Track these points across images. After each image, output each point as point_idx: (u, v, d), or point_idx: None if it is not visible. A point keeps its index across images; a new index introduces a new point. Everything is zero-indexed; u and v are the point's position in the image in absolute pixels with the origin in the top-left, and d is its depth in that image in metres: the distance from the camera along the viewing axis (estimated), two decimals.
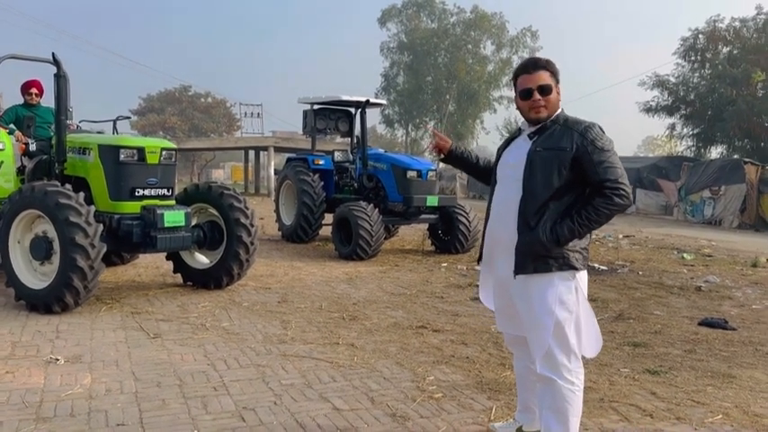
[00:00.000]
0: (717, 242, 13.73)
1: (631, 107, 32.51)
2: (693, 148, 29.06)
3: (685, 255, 10.81)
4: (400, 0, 51.86)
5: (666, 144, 40.82)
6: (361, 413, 3.47)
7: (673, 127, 29.17)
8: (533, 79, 2.75)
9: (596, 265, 9.16)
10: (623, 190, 2.66)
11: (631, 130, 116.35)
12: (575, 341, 2.72)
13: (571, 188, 2.71)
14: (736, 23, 27.41)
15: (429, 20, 52.39)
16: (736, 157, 24.77)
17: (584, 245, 2.78)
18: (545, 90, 2.74)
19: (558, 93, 2.80)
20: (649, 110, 28.66)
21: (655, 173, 23.20)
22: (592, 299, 6.67)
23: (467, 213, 9.82)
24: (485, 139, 57.07)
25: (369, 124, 10.77)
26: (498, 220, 2.88)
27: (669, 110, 28.57)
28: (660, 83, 28.22)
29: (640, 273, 8.71)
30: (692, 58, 28.17)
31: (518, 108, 2.87)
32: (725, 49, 28.11)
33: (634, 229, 16.10)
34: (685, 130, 29.02)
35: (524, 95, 2.77)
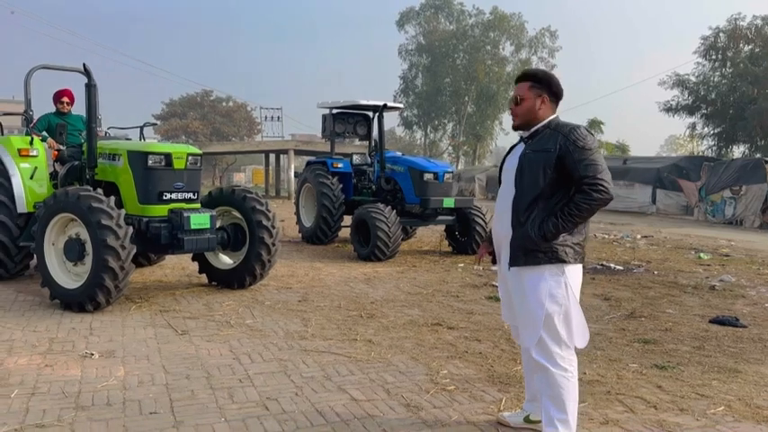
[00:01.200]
0: (736, 242, 13.71)
1: (654, 107, 32.42)
2: (714, 148, 28.84)
3: (702, 254, 10.85)
4: (418, 2, 52.07)
5: (689, 144, 40.50)
6: (377, 403, 3.68)
7: (693, 126, 29.01)
8: (515, 90, 3.12)
9: (612, 265, 9.27)
10: (601, 185, 2.85)
11: (654, 129, 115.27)
12: (564, 332, 2.94)
13: (558, 187, 2.93)
14: (758, 21, 27.18)
15: (447, 21, 52.51)
16: (758, 156, 24.56)
17: (578, 240, 2.97)
18: (516, 100, 3.06)
19: (543, 101, 3.02)
20: (669, 109, 28.52)
21: (675, 173, 23.09)
22: (605, 297, 6.84)
23: (483, 214, 9.98)
24: (504, 140, 56.90)
25: (388, 127, 11.02)
26: (497, 218, 3.15)
27: (689, 109, 28.40)
28: (680, 82, 28.07)
29: (656, 272, 8.80)
30: (713, 56, 27.98)
31: None
32: (746, 48, 27.88)
33: (653, 230, 16.11)
34: (706, 129, 28.83)
35: (509, 104, 3.16)
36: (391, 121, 74.78)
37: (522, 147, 3.09)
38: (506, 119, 55.43)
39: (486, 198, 34.29)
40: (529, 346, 3.01)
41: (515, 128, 3.14)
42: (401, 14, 52.43)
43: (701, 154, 28.14)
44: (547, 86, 3.03)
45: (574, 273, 2.98)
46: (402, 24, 52.49)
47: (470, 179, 35.85)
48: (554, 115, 3.06)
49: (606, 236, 14.11)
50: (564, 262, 2.92)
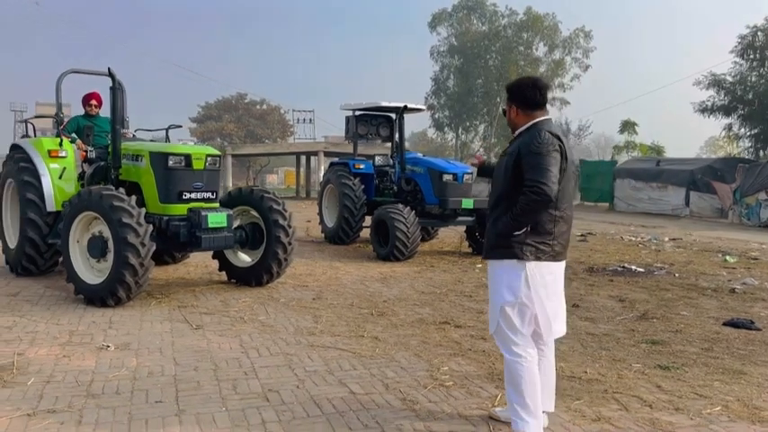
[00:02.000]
0: None
1: (691, 107, 31.54)
2: (752, 149, 28.14)
3: (728, 257, 10.67)
4: (451, 4, 51.97)
5: (728, 145, 39.52)
6: (374, 397, 3.78)
7: (729, 127, 28.35)
8: None
9: (633, 267, 9.19)
10: (538, 187, 2.98)
11: (693, 131, 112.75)
12: (518, 322, 3.12)
13: (519, 188, 3.08)
14: None
15: (480, 22, 52.27)
16: None
17: (541, 239, 3.11)
18: (505, 113, 3.39)
19: (514, 110, 3.28)
20: (705, 110, 27.94)
21: (709, 175, 22.64)
22: (620, 299, 6.82)
23: None
24: None
25: (419, 129, 11.12)
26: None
27: (726, 110, 27.78)
28: (716, 82, 27.48)
29: (676, 275, 8.70)
30: (751, 56, 27.30)
31: None
32: None
33: (684, 233, 15.84)
34: (743, 130, 28.15)
35: None
36: (423, 123, 74.81)
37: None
38: None
39: None
40: (490, 332, 3.27)
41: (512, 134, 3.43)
42: (433, 16, 52.38)
43: (735, 155, 27.50)
44: (515, 97, 3.26)
45: (537, 269, 3.12)
46: (434, 26, 52.43)
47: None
48: (536, 120, 3.20)
49: (633, 238, 13.94)
50: (520, 259, 3.09)
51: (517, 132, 3.26)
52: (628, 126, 34.00)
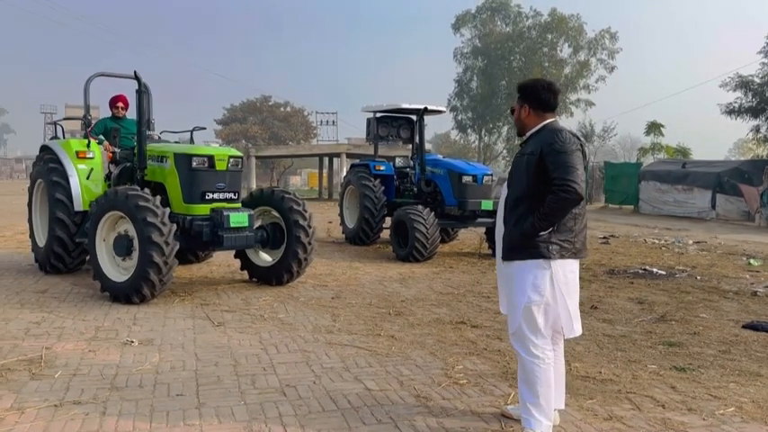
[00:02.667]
0: None
1: (718, 109, 30.89)
2: None
3: (753, 261, 10.53)
4: (474, 5, 51.85)
5: (759, 147, 38.83)
6: (388, 393, 3.85)
7: (757, 129, 27.82)
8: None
9: (654, 270, 9.13)
10: (569, 186, 2.99)
11: (721, 133, 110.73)
12: (542, 322, 3.11)
13: (542, 188, 3.09)
14: None
15: (504, 24, 52.08)
16: None
17: (565, 237, 3.12)
18: (512, 111, 3.38)
19: (526, 110, 3.28)
20: (732, 112, 27.45)
21: (736, 177, 22.28)
22: (639, 301, 6.81)
23: None
24: None
25: (442, 131, 11.19)
26: (498, 216, 3.37)
27: (754, 111, 27.23)
28: (744, 83, 26.99)
29: (698, 278, 8.63)
30: None
31: None
32: None
33: (709, 236, 15.64)
34: None
35: None
36: (446, 124, 74.65)
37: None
38: (563, 122, 54.51)
39: None
40: (509, 332, 3.25)
41: (518, 135, 3.47)
42: (457, 17, 52.32)
43: (765, 158, 27.02)
44: (528, 97, 3.26)
45: (561, 267, 3.14)
46: (458, 27, 52.36)
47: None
48: (546, 121, 3.24)
49: (656, 241, 13.82)
50: (546, 258, 3.09)
51: (529, 133, 3.28)
52: (653, 128, 33.57)
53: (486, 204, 9.78)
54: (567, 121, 54.21)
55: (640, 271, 9.09)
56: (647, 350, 4.98)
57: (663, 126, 33.64)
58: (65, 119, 8.95)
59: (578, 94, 50.83)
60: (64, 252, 7.30)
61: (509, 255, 3.20)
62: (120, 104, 8.03)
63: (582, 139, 3.22)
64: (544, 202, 3.06)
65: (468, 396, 3.85)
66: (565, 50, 50.70)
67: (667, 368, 4.50)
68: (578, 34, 49.59)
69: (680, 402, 3.80)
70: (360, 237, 11.15)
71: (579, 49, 50.06)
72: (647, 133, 34.19)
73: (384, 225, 11.06)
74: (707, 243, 13.81)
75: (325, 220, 16.29)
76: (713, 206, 22.62)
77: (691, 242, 13.73)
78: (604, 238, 14.01)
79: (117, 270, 6.31)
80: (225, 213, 6.43)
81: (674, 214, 23.40)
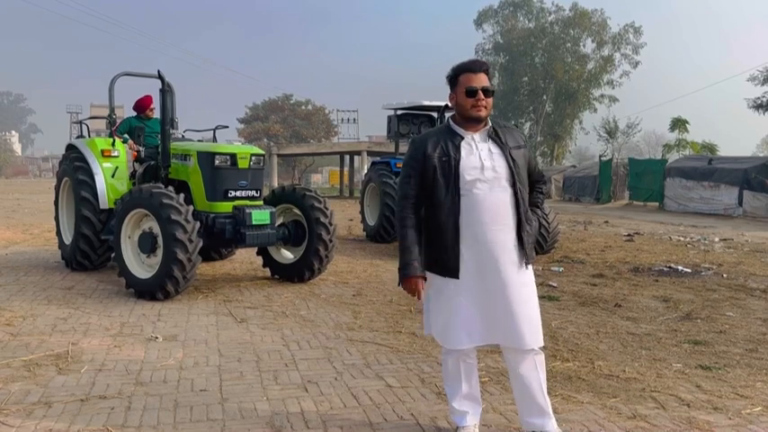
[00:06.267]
0: None
1: (745, 104, 30.29)
2: None
3: None
4: (497, 1, 51.57)
5: None
6: (409, 390, 3.86)
7: None
8: (478, 79, 2.85)
9: (680, 268, 9.01)
10: (544, 181, 3.13)
11: (749, 128, 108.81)
12: (428, 325, 3.13)
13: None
14: None
15: (526, 19, 51.75)
16: None
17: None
18: (488, 92, 2.86)
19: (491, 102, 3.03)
20: (759, 106, 27.02)
21: (764, 173, 21.87)
22: (664, 299, 6.72)
23: (546, 215, 9.90)
24: (583, 140, 55.37)
25: None
26: (495, 222, 2.84)
27: None
28: None
29: (725, 275, 8.49)
30: None
31: (457, 104, 2.92)
32: None
33: (736, 233, 15.38)
34: None
35: (470, 93, 2.84)
36: None
37: (484, 143, 2.91)
38: (587, 118, 53.99)
39: (563, 199, 33.66)
40: (539, 341, 2.89)
41: (479, 120, 2.90)
42: (479, 13, 52.15)
43: None
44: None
45: (433, 277, 3.08)
46: (480, 23, 52.17)
47: (547, 180, 35.17)
48: None
49: (682, 238, 13.63)
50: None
51: (492, 124, 2.93)
52: (679, 124, 33.15)
53: None
54: (591, 117, 53.73)
55: (665, 269, 8.97)
56: (671, 348, 4.91)
57: (688, 122, 33.19)
58: (90, 118, 9.10)
59: (602, 89, 50.35)
60: (90, 249, 7.41)
61: (530, 259, 2.90)
62: (153, 106, 8.10)
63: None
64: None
65: (490, 393, 3.83)
66: (588, 45, 50.27)
67: (692, 367, 4.43)
68: (602, 29, 49.14)
69: (705, 401, 3.75)
70: (381, 234, 11.16)
71: (603, 44, 49.62)
72: (672, 129, 33.75)
73: None
74: (733, 240, 13.58)
75: (346, 217, 16.34)
76: (740, 203, 22.24)
77: (717, 239, 13.52)
78: (629, 235, 13.85)
79: (142, 267, 6.40)
80: (247, 211, 6.48)
81: (700, 211, 23.06)
